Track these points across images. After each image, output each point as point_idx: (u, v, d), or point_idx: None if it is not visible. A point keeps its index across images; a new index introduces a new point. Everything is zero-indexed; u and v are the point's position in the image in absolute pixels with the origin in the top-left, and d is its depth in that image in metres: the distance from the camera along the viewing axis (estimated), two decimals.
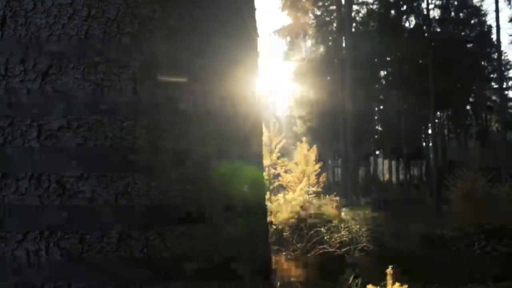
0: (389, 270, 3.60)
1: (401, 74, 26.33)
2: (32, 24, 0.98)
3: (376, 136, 31.07)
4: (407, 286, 3.64)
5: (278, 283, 4.87)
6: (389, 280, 3.58)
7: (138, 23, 0.99)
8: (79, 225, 0.93)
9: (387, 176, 34.57)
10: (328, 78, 26.03)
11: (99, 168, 0.94)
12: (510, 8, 25.65)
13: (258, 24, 1.42)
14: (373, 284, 4.34)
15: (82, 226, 0.93)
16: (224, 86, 1.11)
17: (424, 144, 32.66)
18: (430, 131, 28.93)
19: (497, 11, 24.26)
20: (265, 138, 7.26)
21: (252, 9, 1.30)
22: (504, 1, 25.38)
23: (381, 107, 31.20)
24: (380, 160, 35.27)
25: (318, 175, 10.16)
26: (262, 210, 1.29)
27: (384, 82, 28.79)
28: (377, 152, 33.55)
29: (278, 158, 7.27)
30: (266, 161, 7.20)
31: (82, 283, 0.91)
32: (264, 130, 7.28)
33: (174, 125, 1.00)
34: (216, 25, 1.10)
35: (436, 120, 30.42)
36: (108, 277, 0.91)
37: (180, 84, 1.02)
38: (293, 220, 6.74)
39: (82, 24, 0.97)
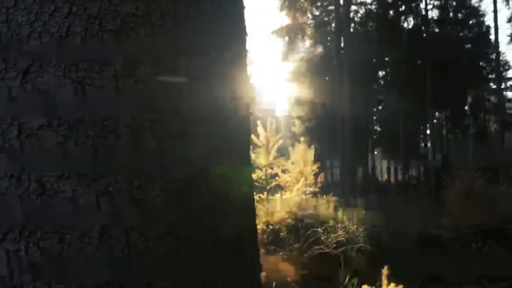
0: (384, 270, 3.60)
1: (399, 75, 26.37)
2: (13, 21, 0.97)
3: (374, 136, 31.10)
4: (402, 286, 3.63)
5: (274, 283, 4.86)
6: (384, 280, 3.58)
7: (121, 20, 0.97)
8: (60, 225, 0.92)
9: (385, 177, 34.59)
10: (327, 78, 26.04)
11: (80, 167, 0.93)
12: (508, 8, 25.73)
13: (247, 23, 1.41)
14: (369, 284, 4.34)
15: (62, 226, 0.92)
16: (210, 85, 1.10)
17: (422, 144, 32.70)
18: (428, 131, 28.96)
19: (495, 11, 24.31)
20: (262, 138, 7.25)
21: (240, 7, 1.29)
22: (503, 1, 25.35)
23: (380, 107, 31.19)
24: (378, 160, 35.28)
25: (316, 175, 10.17)
26: (251, 213, 1.29)
27: (382, 83, 28.82)
28: (376, 152, 33.57)
29: (275, 158, 7.26)
30: (263, 161, 7.19)
31: (62, 284, 0.90)
32: (261, 130, 7.27)
33: (158, 124, 0.99)
34: (201, 23, 1.09)
35: (435, 121, 30.46)
36: (88, 277, 0.90)
37: (163, 83, 1.01)
38: (290, 220, 6.73)
39: (63, 21, 0.96)
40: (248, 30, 1.38)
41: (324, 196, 9.58)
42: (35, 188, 0.93)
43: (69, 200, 0.92)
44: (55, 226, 0.92)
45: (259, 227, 6.38)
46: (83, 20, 0.96)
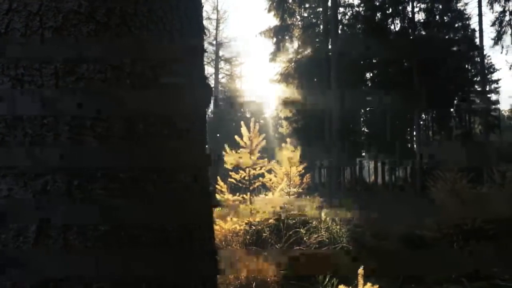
0: (360, 270, 3.60)
1: (387, 76, 26.57)
2: None
3: (362, 138, 31.28)
4: (378, 286, 3.64)
5: (254, 283, 4.85)
6: (360, 280, 3.58)
7: (62, 17, 0.96)
8: None
9: (372, 177, 34.79)
10: (315, 79, 26.12)
11: (17, 165, 0.91)
12: (493, 12, 26.13)
13: (204, 20, 1.40)
14: (348, 284, 4.35)
15: None
16: (159, 83, 1.09)
17: (409, 145, 32.97)
18: (415, 133, 29.22)
19: (480, 15, 24.63)
20: (245, 139, 7.23)
21: (194, 3, 1.27)
22: (487, 5, 25.72)
23: (367, 108, 31.40)
24: (365, 161, 35.48)
25: (303, 176, 10.18)
26: (205, 212, 1.27)
27: (370, 84, 29.00)
28: (363, 153, 33.75)
29: (258, 158, 7.23)
30: (246, 162, 7.17)
31: None
32: (245, 131, 7.25)
33: (100, 123, 0.97)
34: (149, 21, 1.08)
35: (421, 122, 30.74)
36: (23, 277, 0.89)
37: (107, 81, 1.00)
38: (272, 220, 6.71)
39: (3, 17, 0.94)
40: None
41: (308, 197, 9.57)
42: None
43: (5, 199, 0.90)
44: None
45: (241, 227, 6.36)
46: (23, 17, 0.95)
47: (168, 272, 1.04)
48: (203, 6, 1.36)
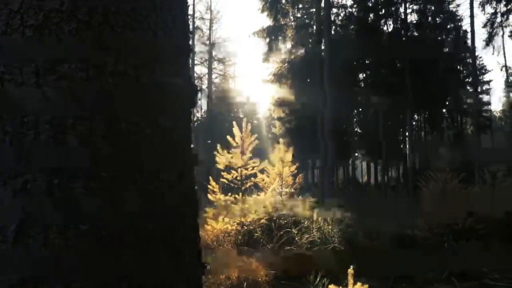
0: (350, 270, 3.63)
1: (379, 77, 26.68)
2: None
3: (355, 138, 31.38)
4: (367, 286, 3.66)
5: (245, 284, 4.86)
6: (350, 280, 3.60)
7: (43, 16, 0.96)
8: None
9: (365, 178, 34.94)
10: (308, 80, 26.17)
11: None
12: (484, 14, 26.36)
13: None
14: (339, 284, 4.36)
15: None
16: (142, 82, 1.09)
17: (402, 146, 33.13)
18: (407, 133, 29.35)
19: (471, 16, 24.80)
20: (237, 139, 7.24)
21: (180, 3, 1.27)
22: (479, 7, 25.95)
23: (360, 109, 31.53)
24: (358, 161, 35.65)
25: (295, 176, 10.20)
26: (190, 212, 1.27)
27: (363, 85, 29.11)
28: (356, 154, 33.89)
29: (250, 158, 7.25)
30: (238, 162, 7.18)
31: None
32: (237, 131, 7.26)
33: (82, 121, 0.97)
34: (133, 20, 1.08)
35: (414, 123, 30.92)
36: (2, 276, 0.88)
37: (90, 80, 1.00)
38: (264, 220, 6.73)
39: None
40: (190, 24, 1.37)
41: (300, 197, 9.61)
42: None
43: None
44: None
45: (233, 228, 6.37)
46: (4, 15, 0.94)
47: (150, 272, 1.04)
48: (189, 6, 1.36)
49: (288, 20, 26.39)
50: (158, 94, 1.13)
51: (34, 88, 0.93)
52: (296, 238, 6.62)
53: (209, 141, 26.22)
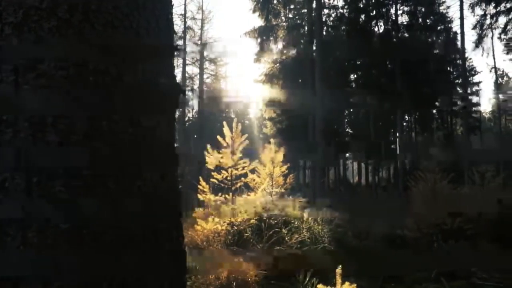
0: (338, 270, 3.64)
1: (370, 78, 26.83)
2: None
3: (346, 138, 31.51)
4: (355, 285, 3.68)
5: (234, 283, 4.85)
6: (338, 280, 3.62)
7: (23, 13, 0.95)
8: None
9: (356, 178, 35.11)
10: (299, 80, 26.23)
11: None
12: (474, 16, 26.66)
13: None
14: (327, 284, 4.38)
15: None
16: (124, 81, 1.08)
17: (393, 146, 33.32)
18: (398, 134, 29.54)
19: (461, 18, 25.04)
20: (227, 139, 7.23)
21: (164, 2, 1.27)
22: (468, 8, 26.19)
23: (351, 109, 31.67)
24: (349, 162, 35.79)
25: (286, 176, 10.22)
26: (172, 212, 1.27)
27: (354, 85, 29.23)
28: (347, 154, 34.03)
29: (241, 158, 7.24)
30: (228, 162, 7.17)
31: None
32: (227, 131, 7.25)
33: (62, 120, 0.96)
34: (114, 18, 1.07)
35: (404, 123, 31.12)
36: None
37: (70, 78, 0.99)
38: (254, 220, 6.73)
39: None
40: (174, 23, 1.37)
41: (291, 197, 9.63)
42: None
43: None
44: None
45: (223, 228, 6.36)
46: None
47: (132, 271, 1.03)
48: (173, 5, 1.36)
49: (279, 20, 26.42)
50: (141, 93, 1.13)
51: (12, 87, 0.93)
52: (286, 238, 6.63)
53: (200, 141, 26.15)
